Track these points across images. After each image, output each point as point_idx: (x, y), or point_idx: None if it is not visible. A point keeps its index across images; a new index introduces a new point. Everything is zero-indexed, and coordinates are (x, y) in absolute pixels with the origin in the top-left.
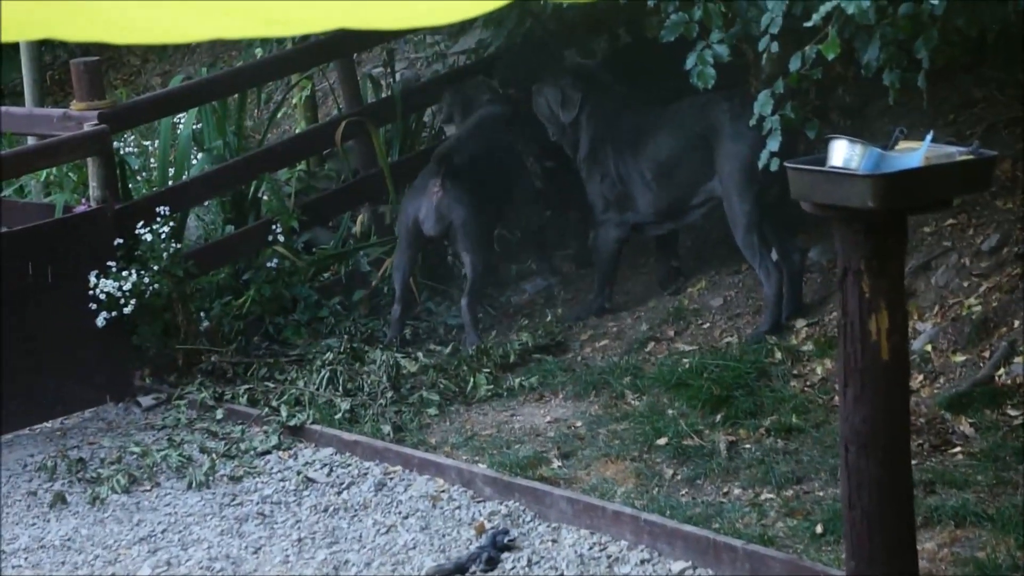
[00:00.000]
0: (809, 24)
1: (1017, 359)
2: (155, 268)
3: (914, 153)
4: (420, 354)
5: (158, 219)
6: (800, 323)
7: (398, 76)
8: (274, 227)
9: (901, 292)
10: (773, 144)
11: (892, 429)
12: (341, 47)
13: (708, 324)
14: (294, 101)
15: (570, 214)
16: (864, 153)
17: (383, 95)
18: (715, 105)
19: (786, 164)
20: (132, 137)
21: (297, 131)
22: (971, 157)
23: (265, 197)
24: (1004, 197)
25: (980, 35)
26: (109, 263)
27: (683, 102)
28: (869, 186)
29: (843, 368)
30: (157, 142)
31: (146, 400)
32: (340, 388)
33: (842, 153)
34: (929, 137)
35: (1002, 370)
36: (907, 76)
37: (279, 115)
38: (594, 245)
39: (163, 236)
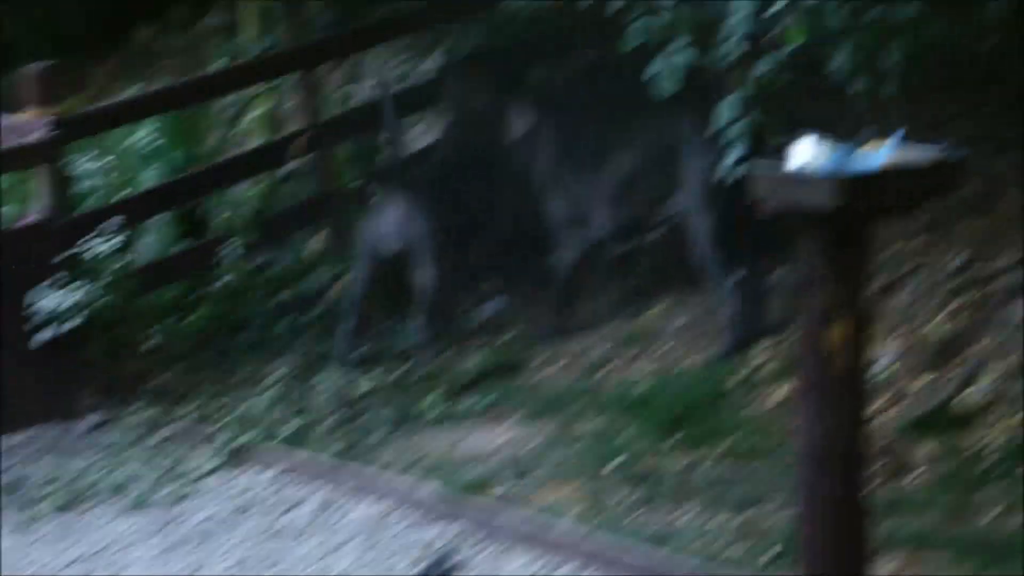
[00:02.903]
0: (772, 12)
1: (983, 379)
2: (104, 282)
3: (879, 153)
4: (373, 373)
5: (108, 232)
6: (762, 344)
7: (364, 92)
8: (229, 243)
9: (864, 302)
10: (737, 152)
11: (850, 445)
12: (303, 59)
13: (668, 345)
14: (255, 115)
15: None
16: (828, 152)
17: (346, 110)
18: (677, 119)
19: (746, 165)
20: (86, 147)
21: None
22: (939, 158)
23: (223, 214)
24: (974, 215)
25: (954, 52)
26: (56, 276)
27: (644, 117)
28: (830, 187)
29: (802, 380)
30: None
31: (90, 418)
32: (289, 407)
33: (806, 153)
34: (898, 135)
35: (967, 390)
36: (878, 85)
37: (239, 129)
38: (553, 264)
39: (113, 250)
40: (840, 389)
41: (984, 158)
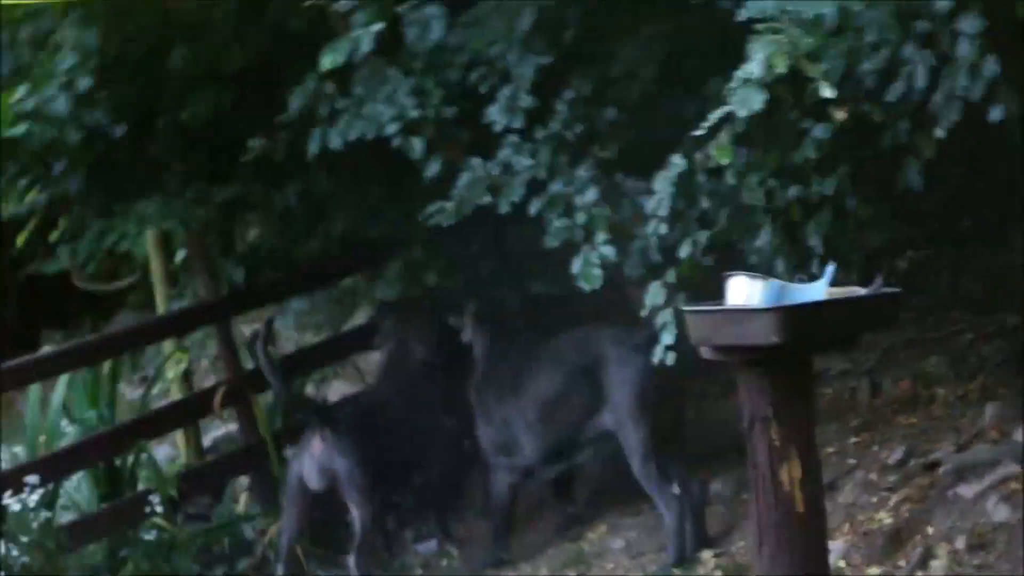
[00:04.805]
0: (701, 132)
1: (934, 562)
2: (24, 540)
3: (816, 286)
4: None
5: (27, 489)
6: (707, 554)
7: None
8: (152, 498)
9: (812, 439)
10: (667, 337)
11: None
12: (216, 313)
13: (612, 565)
14: (171, 375)
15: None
16: (765, 287)
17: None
18: (597, 334)
19: (683, 308)
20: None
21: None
22: (876, 291)
23: (147, 470)
24: (906, 413)
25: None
26: None
27: (562, 336)
28: (772, 320)
29: (757, 524)
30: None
31: None
32: None
33: (742, 290)
34: (830, 269)
35: (919, 574)
36: (799, 265)
37: (155, 390)
38: (488, 492)
39: (33, 507)
40: (798, 529)
41: (911, 359)
